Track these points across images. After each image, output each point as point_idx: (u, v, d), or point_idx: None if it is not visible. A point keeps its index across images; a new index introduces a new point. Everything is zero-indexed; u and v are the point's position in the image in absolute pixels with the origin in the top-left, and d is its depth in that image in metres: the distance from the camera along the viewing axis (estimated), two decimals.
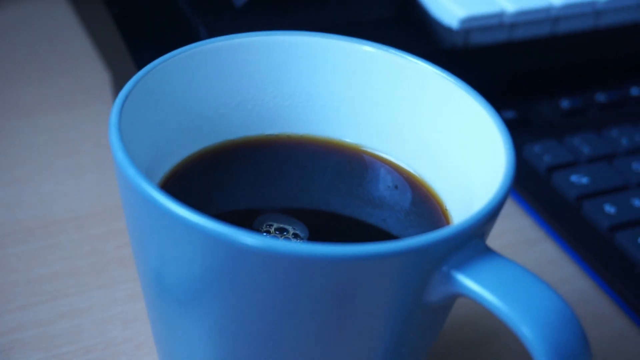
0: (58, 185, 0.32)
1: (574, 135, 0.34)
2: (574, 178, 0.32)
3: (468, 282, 0.19)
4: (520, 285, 0.19)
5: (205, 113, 0.24)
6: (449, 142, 0.23)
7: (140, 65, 0.30)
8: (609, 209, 0.31)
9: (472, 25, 0.36)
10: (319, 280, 0.18)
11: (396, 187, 0.24)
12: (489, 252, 0.19)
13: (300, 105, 0.26)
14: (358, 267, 0.18)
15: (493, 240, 0.22)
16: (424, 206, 0.23)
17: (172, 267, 0.20)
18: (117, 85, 0.36)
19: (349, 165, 0.25)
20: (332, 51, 0.25)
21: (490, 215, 0.19)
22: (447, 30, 0.36)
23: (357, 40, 0.25)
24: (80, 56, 0.40)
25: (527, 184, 0.32)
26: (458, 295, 0.19)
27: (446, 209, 0.23)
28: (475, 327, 0.28)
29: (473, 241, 0.19)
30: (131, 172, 0.18)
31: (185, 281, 0.20)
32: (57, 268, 0.29)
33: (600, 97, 0.37)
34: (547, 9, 0.37)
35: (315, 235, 0.22)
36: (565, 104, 0.36)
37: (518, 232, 0.32)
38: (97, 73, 0.39)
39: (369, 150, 0.25)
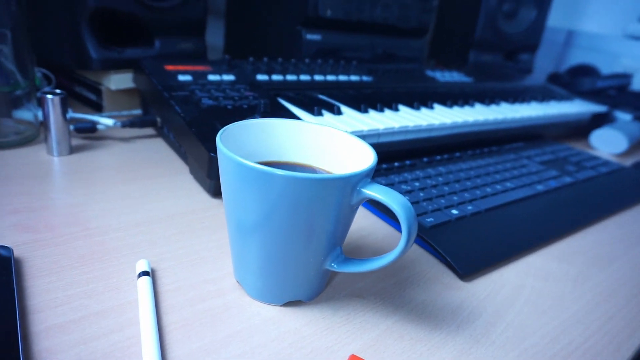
0: (175, 200, 0.36)
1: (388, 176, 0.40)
2: None
3: (368, 192, 0.23)
4: (390, 192, 0.23)
5: (248, 149, 0.28)
6: (347, 158, 0.27)
7: (209, 151, 0.34)
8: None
9: None
10: (307, 189, 0.22)
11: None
12: (373, 182, 0.24)
13: (287, 148, 0.29)
14: (323, 184, 0.22)
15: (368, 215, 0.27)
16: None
17: (241, 197, 0.22)
18: (192, 169, 0.39)
19: (308, 170, 0.28)
20: (300, 126, 0.28)
21: (371, 171, 0.24)
22: None
23: (308, 122, 0.28)
24: (172, 159, 0.44)
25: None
26: (364, 199, 0.23)
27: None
28: (408, 270, 0.31)
29: (365, 178, 0.23)
30: (227, 152, 0.22)
31: (247, 205, 0.22)
32: (197, 226, 0.33)
33: (384, 165, 0.43)
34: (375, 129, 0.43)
35: None
36: (384, 166, 0.43)
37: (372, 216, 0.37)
38: (180, 164, 0.43)
39: (314, 165, 0.28)
